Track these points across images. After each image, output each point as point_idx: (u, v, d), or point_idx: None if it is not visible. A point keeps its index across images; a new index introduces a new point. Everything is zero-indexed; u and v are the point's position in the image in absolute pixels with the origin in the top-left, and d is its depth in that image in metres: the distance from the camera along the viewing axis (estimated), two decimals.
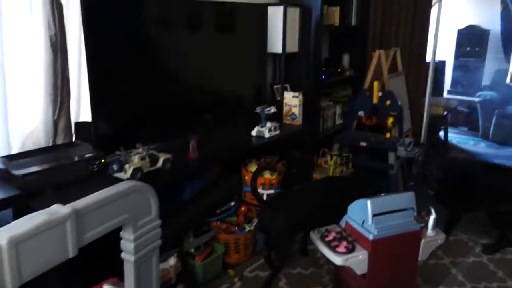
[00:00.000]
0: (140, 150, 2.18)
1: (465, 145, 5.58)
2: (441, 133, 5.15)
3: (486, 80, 6.30)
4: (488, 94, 5.83)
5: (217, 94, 2.94)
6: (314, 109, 3.56)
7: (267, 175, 2.93)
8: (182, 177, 2.49)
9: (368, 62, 4.09)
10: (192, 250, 2.47)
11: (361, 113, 3.77)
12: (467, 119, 6.24)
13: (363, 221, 2.02)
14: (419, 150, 3.51)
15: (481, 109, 5.82)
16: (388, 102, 3.62)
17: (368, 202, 1.96)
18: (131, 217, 1.36)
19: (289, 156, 3.17)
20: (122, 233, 1.41)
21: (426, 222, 2.13)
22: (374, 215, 1.96)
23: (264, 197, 2.81)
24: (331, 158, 3.47)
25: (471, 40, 6.34)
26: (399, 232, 2.00)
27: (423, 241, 2.08)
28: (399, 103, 3.67)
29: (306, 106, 3.29)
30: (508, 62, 6.05)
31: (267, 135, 2.89)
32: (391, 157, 3.42)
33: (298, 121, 3.21)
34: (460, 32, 6.37)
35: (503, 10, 5.96)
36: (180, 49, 2.58)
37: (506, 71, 6.05)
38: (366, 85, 3.83)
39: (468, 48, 6.35)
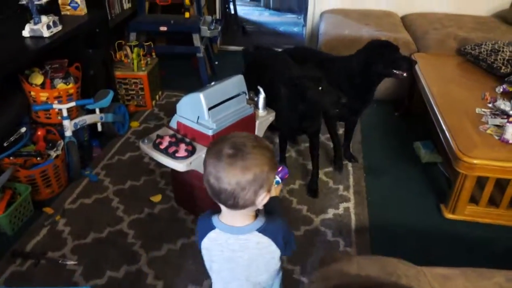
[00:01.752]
0: None
1: (252, 16, 5.72)
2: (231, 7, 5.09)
3: None
4: None
5: None
6: None
7: (60, 85, 2.32)
8: None
9: None
10: None
11: None
12: None
13: (198, 117, 1.79)
14: (220, 27, 3.35)
15: None
16: None
17: (201, 96, 1.72)
18: None
19: (82, 56, 2.56)
20: None
21: (256, 102, 2.05)
22: (209, 109, 1.75)
23: (64, 113, 2.25)
24: (132, 50, 3.00)
25: None
26: (236, 119, 1.87)
27: (257, 122, 2.02)
28: None
29: None
30: None
31: (46, 33, 2.19)
32: (196, 39, 3.17)
33: (82, 10, 2.54)
34: None
35: None
36: None
37: None
38: None
39: None
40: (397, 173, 2.46)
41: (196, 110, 1.78)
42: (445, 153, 2.10)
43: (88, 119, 2.45)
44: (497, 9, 3.67)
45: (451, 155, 1.91)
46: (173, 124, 1.92)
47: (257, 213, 1.06)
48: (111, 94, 2.52)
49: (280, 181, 1.16)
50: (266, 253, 1.06)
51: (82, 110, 2.51)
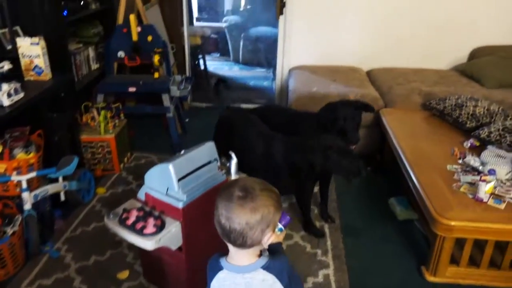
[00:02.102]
0: None
1: (222, 71, 5.80)
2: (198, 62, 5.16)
3: (228, 5, 6.54)
4: (233, 19, 6.08)
5: None
6: (62, 56, 2.82)
7: (20, 154, 2.20)
8: None
9: None
10: None
11: (121, 53, 3.26)
12: (218, 45, 6.45)
13: (167, 189, 1.70)
14: (190, 85, 3.33)
15: (229, 34, 6.07)
16: (150, 38, 3.22)
17: (170, 167, 1.65)
18: None
19: (45, 122, 2.45)
20: None
21: (228, 168, 1.98)
22: (179, 180, 1.67)
23: (24, 185, 2.11)
24: (99, 113, 2.92)
25: None
26: (208, 188, 1.79)
27: None
28: (162, 37, 3.32)
29: (52, 53, 2.54)
30: None
31: (6, 102, 2.09)
32: (166, 99, 3.13)
33: (47, 75, 2.47)
34: None
35: None
36: None
37: None
38: (120, 20, 3.28)
39: None
40: (376, 233, 2.40)
41: (165, 181, 1.69)
42: (420, 210, 2.08)
43: (50, 189, 2.31)
44: (456, 63, 3.85)
45: (428, 216, 1.88)
46: (141, 195, 1.82)
47: (261, 252, 1.13)
48: (75, 161, 2.40)
49: (283, 228, 1.18)
50: None
51: (44, 179, 2.37)
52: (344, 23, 3.79)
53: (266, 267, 1.10)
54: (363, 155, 3.21)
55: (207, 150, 1.81)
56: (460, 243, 1.95)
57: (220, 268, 1.13)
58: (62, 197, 2.45)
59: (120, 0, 3.25)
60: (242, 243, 1.05)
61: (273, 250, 1.15)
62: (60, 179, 2.38)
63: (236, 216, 1.03)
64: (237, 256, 1.11)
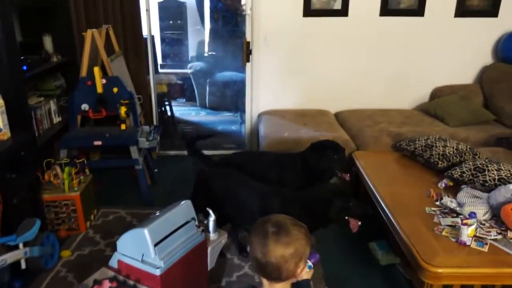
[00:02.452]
0: None
1: (189, 117, 5.75)
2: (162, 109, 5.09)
3: (192, 52, 6.60)
4: (198, 64, 6.12)
5: None
6: (22, 112, 2.67)
7: None
8: None
9: (78, 45, 3.43)
10: None
11: (85, 106, 3.15)
12: (183, 90, 6.44)
13: (143, 255, 1.58)
14: (158, 136, 3.24)
15: (194, 80, 6.08)
16: (115, 90, 3.14)
17: (145, 232, 1.53)
18: None
19: (4, 184, 2.28)
20: None
21: (206, 226, 1.89)
22: (155, 244, 1.56)
23: None
24: (62, 170, 2.76)
25: (171, 13, 6.44)
26: (187, 250, 1.68)
27: (209, 248, 1.84)
28: (128, 88, 3.25)
29: (11, 111, 2.41)
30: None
31: None
32: (134, 151, 3.02)
33: (5, 134, 2.32)
34: (161, 5, 6.35)
35: None
36: None
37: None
38: (84, 72, 3.20)
39: (171, 21, 6.42)
40: (360, 281, 2.33)
41: (140, 247, 1.57)
42: (403, 255, 2.04)
43: (9, 258, 2.10)
44: (419, 102, 3.99)
45: (415, 264, 1.84)
46: (113, 263, 1.68)
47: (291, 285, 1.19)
48: (37, 224, 2.22)
49: (312, 266, 1.24)
50: None
51: (2, 247, 2.16)
52: (310, 68, 3.88)
53: None
54: None
55: (184, 209, 1.72)
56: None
57: None
58: (23, 265, 2.23)
59: (84, 52, 3.18)
60: (278, 276, 1.13)
61: (302, 286, 1.24)
62: (21, 245, 2.19)
63: (271, 251, 1.10)
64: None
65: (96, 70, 3.03)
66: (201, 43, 6.53)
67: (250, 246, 1.15)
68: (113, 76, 3.27)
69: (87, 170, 2.93)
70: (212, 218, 1.86)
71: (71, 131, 3.14)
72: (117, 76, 3.23)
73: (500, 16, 3.79)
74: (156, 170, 3.67)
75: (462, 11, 3.75)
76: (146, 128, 3.23)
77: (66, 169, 2.73)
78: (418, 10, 3.77)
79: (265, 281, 1.17)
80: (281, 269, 1.11)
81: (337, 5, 3.75)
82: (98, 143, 2.97)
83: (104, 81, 3.11)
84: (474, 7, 3.77)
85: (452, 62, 3.91)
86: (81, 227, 2.78)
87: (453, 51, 3.86)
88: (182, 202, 1.73)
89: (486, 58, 3.93)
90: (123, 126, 3.13)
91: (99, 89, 3.09)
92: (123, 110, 3.07)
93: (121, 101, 3.09)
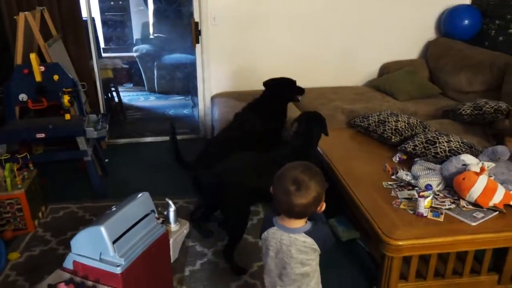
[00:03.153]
0: None
1: (138, 102, 5.52)
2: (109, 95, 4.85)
3: (137, 34, 6.30)
4: (144, 47, 5.86)
5: None
6: None
7: None
8: None
9: (9, 30, 3.14)
10: None
11: (23, 96, 2.91)
12: (130, 75, 6.16)
13: (101, 254, 1.49)
14: (107, 124, 3.07)
15: (141, 64, 5.83)
16: (56, 77, 2.92)
17: (102, 230, 1.44)
18: None
19: None
20: None
21: (167, 217, 1.81)
22: (114, 241, 1.47)
23: None
24: (3, 166, 2.54)
25: None
26: (148, 244, 1.60)
27: (171, 240, 1.77)
28: (70, 75, 3.03)
29: None
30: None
31: None
32: (82, 142, 2.84)
33: None
34: None
35: None
36: None
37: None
38: (19, 60, 2.94)
39: (112, 2, 6.07)
40: (322, 258, 2.36)
41: (97, 245, 1.48)
42: (363, 229, 2.08)
43: None
44: (368, 78, 4.07)
45: (376, 238, 1.88)
46: (69, 264, 1.57)
47: (306, 220, 1.40)
48: None
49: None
50: (311, 249, 1.39)
51: None
52: (260, 48, 3.82)
53: (308, 232, 1.37)
54: None
55: (143, 202, 1.63)
56: (406, 258, 1.98)
57: (272, 225, 1.41)
58: None
59: (17, 38, 2.91)
60: (300, 216, 1.37)
61: (316, 218, 1.44)
62: None
63: (296, 205, 1.31)
64: (288, 220, 1.38)
65: (33, 56, 2.79)
66: (145, 25, 6.24)
67: (275, 198, 1.34)
68: (52, 62, 3.03)
69: (30, 165, 2.73)
70: (172, 208, 1.79)
71: (9, 124, 2.90)
72: (57, 63, 3.00)
73: None
74: (107, 160, 3.49)
75: None
76: (93, 116, 3.05)
77: (7, 165, 2.52)
78: None
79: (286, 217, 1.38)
80: (306, 213, 1.35)
81: None
82: (41, 135, 2.76)
83: (42, 68, 2.87)
84: None
85: (398, 38, 4.00)
86: (29, 226, 2.60)
87: (398, 27, 3.95)
88: (140, 195, 1.64)
89: (429, 33, 4.06)
90: (67, 116, 2.92)
91: (38, 77, 2.85)
92: (66, 98, 2.86)
93: (63, 89, 2.87)
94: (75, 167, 3.34)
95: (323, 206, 1.38)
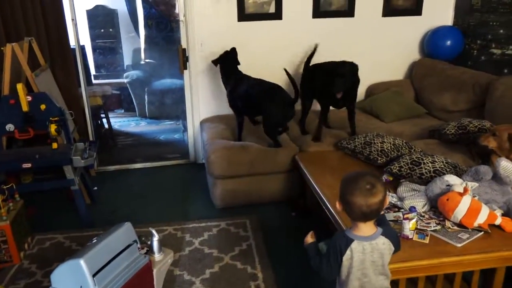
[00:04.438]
0: None
1: (128, 128, 5.53)
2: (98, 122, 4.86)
3: (128, 60, 6.36)
4: (134, 73, 5.91)
5: None
6: None
7: None
8: None
9: None
10: None
11: (10, 126, 2.91)
12: (121, 101, 6.19)
13: (81, 287, 1.46)
14: (95, 152, 3.07)
15: (132, 89, 5.86)
16: (43, 106, 2.93)
17: (82, 263, 1.42)
18: None
19: None
20: None
21: (150, 246, 1.80)
22: (94, 274, 1.45)
23: None
24: None
25: (102, 21, 6.16)
26: (130, 276, 1.58)
27: (155, 270, 1.75)
28: (58, 104, 3.05)
29: None
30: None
31: None
32: (69, 171, 2.83)
33: None
34: (90, 13, 6.06)
35: None
36: None
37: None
38: (6, 90, 2.95)
39: (102, 30, 6.15)
40: (313, 285, 2.34)
41: (77, 279, 1.46)
42: None
43: None
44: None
45: None
46: None
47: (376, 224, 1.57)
48: None
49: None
50: (388, 250, 1.55)
51: None
52: (248, 72, 3.84)
53: (384, 234, 1.54)
54: (287, 200, 3.21)
55: (124, 232, 1.62)
56: (393, 282, 1.96)
57: (351, 241, 1.52)
58: None
59: (4, 69, 2.93)
60: (375, 216, 1.52)
61: (380, 221, 1.63)
62: None
63: (374, 202, 1.47)
64: (365, 228, 1.53)
65: (20, 87, 2.81)
66: (136, 51, 6.31)
67: (350, 207, 1.49)
68: (39, 92, 3.05)
69: (16, 196, 2.71)
70: (155, 238, 1.77)
71: None
72: (44, 92, 3.02)
73: (424, 14, 4.01)
74: (95, 188, 3.48)
75: (389, 10, 3.93)
76: (81, 145, 3.05)
77: None
78: (348, 11, 3.89)
79: (360, 224, 1.52)
80: (379, 210, 1.51)
81: (271, 9, 3.78)
82: (27, 165, 2.75)
83: (29, 98, 2.89)
84: (400, 7, 3.96)
85: (384, 60, 4.07)
86: (14, 258, 2.56)
87: (384, 49, 4.03)
88: (122, 225, 1.63)
89: (414, 54, 4.14)
90: (54, 145, 2.92)
91: (24, 107, 2.86)
92: (53, 127, 2.86)
93: (50, 118, 2.88)
94: (64, 195, 3.31)
95: (386, 204, 1.55)
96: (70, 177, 2.82)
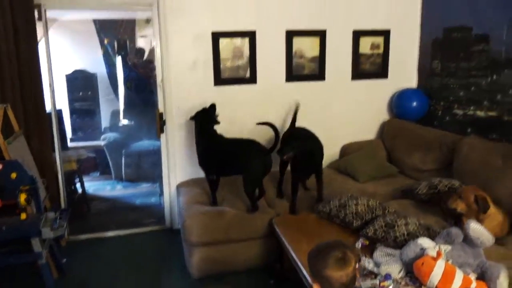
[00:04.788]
0: None
1: (103, 192, 5.42)
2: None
3: (105, 122, 6.39)
4: (111, 135, 5.90)
5: None
6: None
7: None
8: None
9: None
10: None
11: None
12: (97, 164, 6.11)
13: None
14: (65, 222, 2.97)
15: (108, 152, 5.82)
16: (14, 175, 2.86)
17: None
18: None
19: None
20: None
21: None
22: None
23: None
24: None
25: (81, 85, 6.25)
26: None
27: None
28: (30, 172, 2.99)
29: None
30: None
31: None
32: (36, 244, 2.72)
33: None
34: (69, 77, 6.16)
35: (104, 54, 6.21)
36: None
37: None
38: None
39: (80, 93, 6.22)
40: None
41: None
42: None
43: None
44: (330, 160, 4.18)
45: None
46: None
47: None
48: None
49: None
50: None
51: None
52: (225, 135, 3.91)
53: None
54: (264, 267, 3.14)
55: None
56: None
57: None
58: None
59: None
60: (353, 284, 1.55)
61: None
62: None
63: (350, 270, 1.51)
64: None
65: None
66: (114, 113, 6.35)
67: (330, 277, 1.50)
68: (11, 160, 3.00)
69: None
70: None
71: None
72: (16, 160, 2.96)
73: (390, 77, 4.23)
74: (64, 260, 3.32)
75: (357, 74, 4.14)
76: (51, 214, 2.96)
77: None
78: (319, 75, 4.07)
79: None
80: (355, 275, 1.53)
81: (247, 74, 3.92)
82: None
83: (0, 166, 2.83)
84: (367, 70, 4.18)
85: (355, 120, 4.22)
86: None
87: (355, 110, 4.19)
88: None
89: (383, 114, 4.31)
90: (23, 216, 2.82)
91: None
92: (22, 197, 2.78)
93: (21, 187, 2.81)
94: (31, 268, 3.15)
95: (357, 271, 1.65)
96: (38, 250, 2.71)
